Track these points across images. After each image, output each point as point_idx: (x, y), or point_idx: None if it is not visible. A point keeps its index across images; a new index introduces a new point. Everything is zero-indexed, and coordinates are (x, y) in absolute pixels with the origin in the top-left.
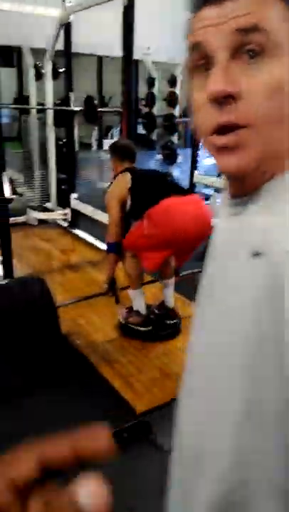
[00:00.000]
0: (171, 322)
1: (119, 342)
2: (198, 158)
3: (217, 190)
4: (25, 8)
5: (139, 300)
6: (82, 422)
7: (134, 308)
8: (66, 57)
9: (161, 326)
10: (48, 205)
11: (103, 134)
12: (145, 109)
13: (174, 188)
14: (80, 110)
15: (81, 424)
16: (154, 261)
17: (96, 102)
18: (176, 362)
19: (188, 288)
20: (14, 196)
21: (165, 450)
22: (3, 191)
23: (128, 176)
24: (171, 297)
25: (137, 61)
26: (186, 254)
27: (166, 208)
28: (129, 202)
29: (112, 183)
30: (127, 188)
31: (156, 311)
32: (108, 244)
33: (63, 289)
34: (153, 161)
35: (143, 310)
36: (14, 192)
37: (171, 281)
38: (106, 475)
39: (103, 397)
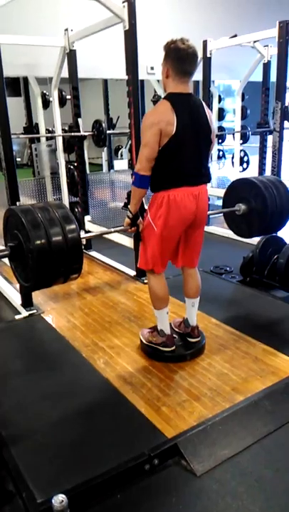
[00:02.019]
0: (195, 340)
1: (143, 364)
2: (210, 172)
3: None
4: (30, 39)
5: (163, 320)
6: (111, 449)
7: (159, 328)
8: (72, 85)
9: (185, 345)
10: None
11: (113, 155)
12: None
13: (194, 173)
14: (90, 134)
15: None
16: (162, 261)
17: (104, 123)
18: (204, 383)
19: (210, 304)
20: None
21: (198, 476)
22: None
23: (175, 120)
24: (195, 316)
25: (142, 81)
26: (193, 245)
27: (178, 201)
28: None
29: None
30: (169, 132)
31: (178, 330)
32: (137, 177)
33: (83, 312)
34: None
35: (167, 330)
36: None
37: (197, 300)
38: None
39: (130, 423)
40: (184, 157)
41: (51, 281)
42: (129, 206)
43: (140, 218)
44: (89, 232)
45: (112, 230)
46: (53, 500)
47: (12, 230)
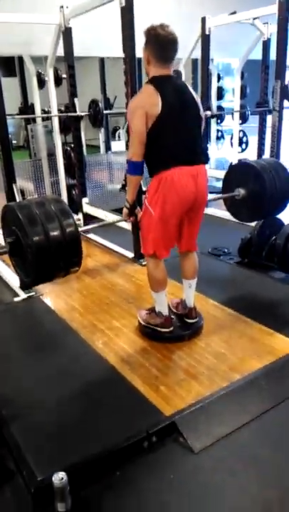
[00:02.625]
0: (193, 321)
1: (141, 345)
2: (208, 152)
3: None
4: (24, 16)
5: (162, 302)
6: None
7: (157, 310)
8: (68, 63)
9: (183, 326)
10: None
11: (110, 136)
12: None
13: (188, 152)
14: (86, 115)
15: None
16: (165, 246)
17: (101, 103)
18: (201, 362)
19: (208, 286)
20: None
21: (196, 452)
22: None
23: (159, 100)
24: (192, 297)
25: (139, 59)
26: (192, 227)
27: (174, 181)
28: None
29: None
30: (154, 113)
31: (175, 311)
32: (131, 164)
33: (81, 294)
34: None
35: (165, 311)
36: None
37: (194, 281)
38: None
39: (129, 402)
40: (174, 136)
41: (51, 275)
42: (126, 196)
43: (138, 207)
44: (87, 214)
45: (111, 221)
46: (53, 478)
47: (10, 226)
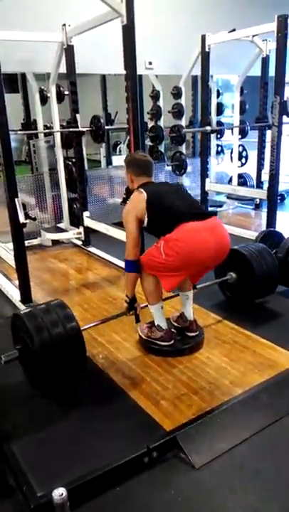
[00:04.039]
0: (193, 335)
1: (142, 359)
2: (208, 166)
3: (229, 196)
4: (27, 35)
5: (159, 314)
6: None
7: (156, 323)
8: (70, 80)
9: (183, 339)
10: (61, 225)
11: (111, 150)
12: (151, 123)
13: (193, 210)
14: (88, 130)
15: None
16: (170, 283)
17: (102, 119)
18: (202, 376)
19: (208, 299)
20: (28, 221)
21: (197, 468)
22: (18, 217)
23: (144, 195)
24: (191, 309)
25: (140, 76)
26: (203, 274)
27: (186, 234)
28: (146, 219)
29: (124, 198)
30: (143, 208)
31: (176, 324)
32: (127, 263)
33: (82, 308)
34: (163, 173)
35: (164, 324)
36: (27, 216)
37: (191, 293)
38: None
39: (129, 417)
40: (172, 204)
41: (58, 377)
42: (125, 293)
43: (137, 301)
44: (87, 228)
45: (110, 316)
46: (53, 494)
47: (19, 334)
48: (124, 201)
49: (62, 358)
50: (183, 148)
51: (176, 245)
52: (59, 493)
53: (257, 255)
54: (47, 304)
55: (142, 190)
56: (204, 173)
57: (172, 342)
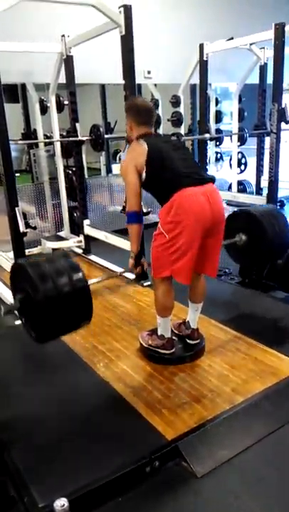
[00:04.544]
0: (195, 342)
1: (143, 367)
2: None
3: (228, 203)
4: (27, 45)
5: (166, 327)
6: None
7: (159, 333)
8: (69, 90)
9: (185, 347)
10: (62, 233)
11: (111, 159)
12: None
13: (193, 173)
14: (88, 139)
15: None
16: (185, 270)
17: (102, 128)
18: (204, 384)
19: (209, 306)
20: (28, 230)
21: (199, 477)
22: (18, 226)
23: (144, 148)
24: (196, 319)
25: (139, 85)
26: (212, 252)
27: (185, 200)
28: (144, 175)
29: (124, 207)
30: (143, 161)
31: (177, 332)
32: (129, 215)
33: None
34: None
35: (168, 334)
36: (28, 225)
37: (201, 305)
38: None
39: (131, 426)
40: (172, 164)
41: (62, 330)
42: (130, 247)
43: (143, 257)
44: (88, 236)
45: (118, 272)
46: (54, 504)
47: (20, 284)
48: (124, 209)
49: (68, 308)
50: None
51: (177, 213)
52: (61, 503)
53: (268, 216)
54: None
55: (143, 142)
56: (214, 177)
57: (173, 350)
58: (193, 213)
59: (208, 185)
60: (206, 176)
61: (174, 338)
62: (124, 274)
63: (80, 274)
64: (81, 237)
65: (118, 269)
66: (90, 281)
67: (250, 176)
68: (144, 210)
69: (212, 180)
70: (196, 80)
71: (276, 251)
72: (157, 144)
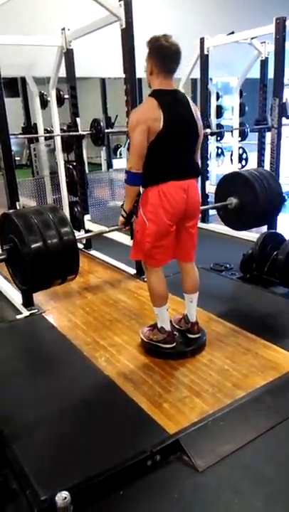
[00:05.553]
0: (195, 337)
1: (144, 362)
2: (208, 169)
3: None
4: (27, 39)
5: (164, 317)
6: (113, 446)
7: (159, 325)
8: (70, 84)
9: (185, 342)
10: None
11: (112, 153)
12: None
13: (184, 169)
14: (88, 133)
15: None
16: (157, 255)
17: (102, 122)
18: (204, 379)
19: (210, 301)
20: None
21: (200, 471)
22: None
23: (161, 116)
24: (194, 312)
25: (140, 79)
26: (186, 239)
27: (168, 195)
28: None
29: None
30: (156, 129)
31: (178, 327)
32: (129, 175)
33: (83, 311)
34: None
35: (168, 327)
36: None
37: (195, 295)
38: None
39: (132, 420)
40: (172, 152)
41: (48, 282)
42: (123, 205)
43: (134, 217)
44: (89, 231)
45: (108, 229)
46: (56, 497)
47: (7, 234)
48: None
49: (54, 261)
50: None
51: (158, 203)
52: (62, 496)
53: (259, 177)
54: (39, 206)
55: (160, 108)
56: (204, 176)
57: (174, 344)
58: (172, 207)
59: (190, 181)
60: (193, 172)
61: (174, 332)
62: (125, 270)
63: (68, 228)
64: (82, 232)
65: (119, 264)
66: (78, 235)
67: None
68: None
69: (197, 175)
70: (196, 74)
71: (268, 213)
72: (172, 124)
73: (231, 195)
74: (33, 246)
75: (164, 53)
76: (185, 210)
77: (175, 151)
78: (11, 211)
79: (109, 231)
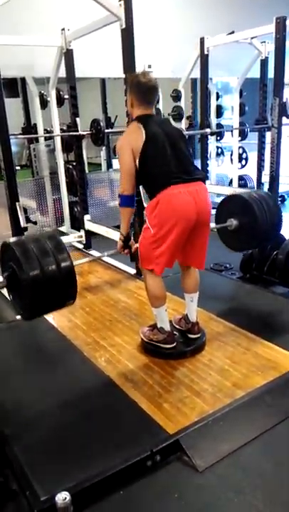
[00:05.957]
0: (195, 337)
1: (144, 362)
2: (209, 169)
3: None
4: (26, 39)
5: (163, 317)
6: (113, 446)
7: (159, 326)
8: (70, 84)
9: (186, 342)
10: (62, 228)
11: (112, 153)
12: None
13: (183, 173)
14: (88, 134)
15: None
16: (161, 265)
17: (102, 122)
18: (204, 379)
19: (210, 301)
20: (29, 225)
21: (200, 471)
22: (18, 221)
23: (142, 134)
24: (195, 312)
25: None
26: (199, 247)
27: (168, 198)
28: (137, 162)
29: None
30: (139, 147)
31: (178, 327)
32: (122, 198)
33: (83, 311)
34: None
35: (167, 327)
36: (28, 220)
37: (196, 295)
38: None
39: (132, 420)
40: (164, 158)
41: (47, 307)
42: (120, 229)
43: (132, 239)
44: (88, 231)
45: (106, 254)
46: (56, 498)
47: (7, 262)
48: None
49: (52, 287)
50: None
51: (161, 212)
52: (62, 497)
53: (259, 200)
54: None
55: (142, 126)
56: (204, 175)
57: (174, 344)
58: (177, 213)
59: (196, 184)
60: (195, 175)
61: (174, 332)
62: (125, 270)
63: (65, 254)
64: (82, 232)
65: (119, 264)
66: (75, 262)
67: (251, 170)
68: None
69: (201, 178)
70: (196, 74)
71: (267, 235)
72: (155, 135)
73: (231, 217)
74: (31, 273)
75: (143, 88)
76: (196, 218)
77: (168, 156)
78: (10, 240)
79: (107, 255)
